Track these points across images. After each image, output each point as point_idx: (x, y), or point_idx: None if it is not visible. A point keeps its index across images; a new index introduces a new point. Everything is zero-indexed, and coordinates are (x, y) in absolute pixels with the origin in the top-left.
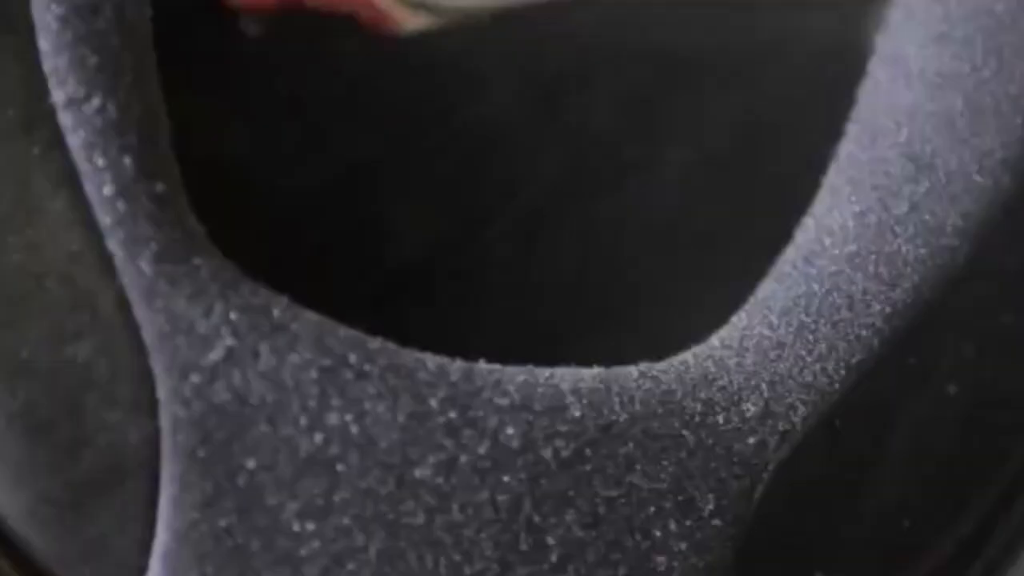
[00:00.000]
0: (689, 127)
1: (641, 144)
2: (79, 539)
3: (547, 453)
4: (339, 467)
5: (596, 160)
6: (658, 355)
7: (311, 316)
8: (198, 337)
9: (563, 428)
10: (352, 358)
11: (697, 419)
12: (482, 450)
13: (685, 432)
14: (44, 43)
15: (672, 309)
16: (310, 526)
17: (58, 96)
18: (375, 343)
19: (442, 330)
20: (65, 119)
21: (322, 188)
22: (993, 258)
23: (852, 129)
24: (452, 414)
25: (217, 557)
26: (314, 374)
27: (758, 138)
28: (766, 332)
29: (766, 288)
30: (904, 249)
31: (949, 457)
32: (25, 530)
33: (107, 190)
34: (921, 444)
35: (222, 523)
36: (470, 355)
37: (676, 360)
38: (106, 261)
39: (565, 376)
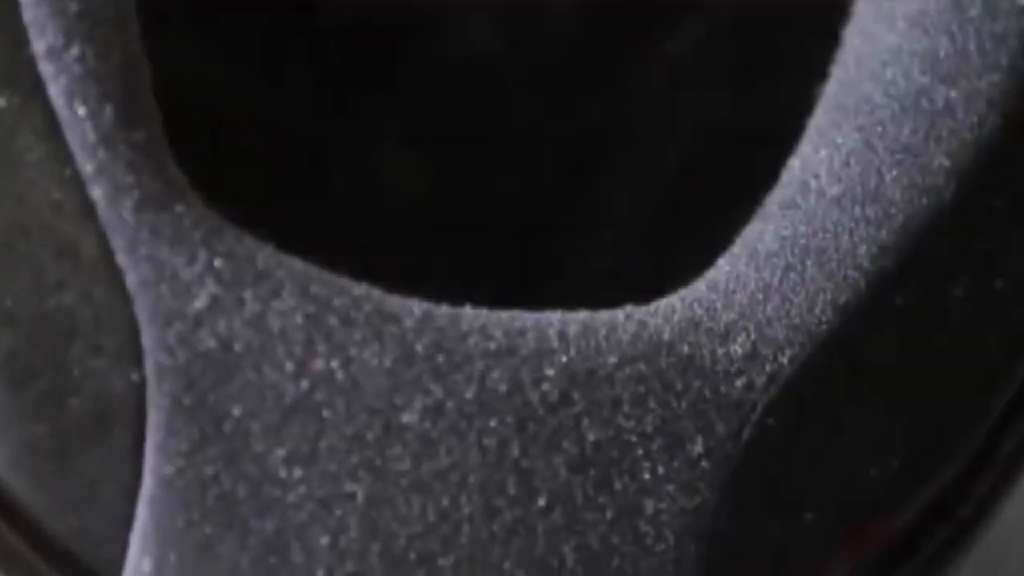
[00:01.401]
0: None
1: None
2: (65, 487)
3: (534, 397)
4: (325, 413)
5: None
6: (645, 298)
7: (296, 263)
8: (182, 285)
9: (550, 372)
10: (337, 304)
11: (684, 361)
12: (469, 395)
13: (672, 374)
14: None
15: (659, 250)
16: (297, 472)
17: (38, 45)
18: (360, 289)
19: (433, 277)
20: (45, 68)
21: (310, 134)
22: (980, 198)
23: (837, 70)
24: (438, 359)
25: (204, 504)
26: (299, 320)
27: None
28: (752, 274)
29: (752, 230)
30: (890, 190)
31: (937, 395)
32: (10, 479)
33: (88, 139)
34: (909, 383)
35: (208, 470)
36: (461, 300)
37: (663, 303)
38: (88, 210)
39: (552, 320)
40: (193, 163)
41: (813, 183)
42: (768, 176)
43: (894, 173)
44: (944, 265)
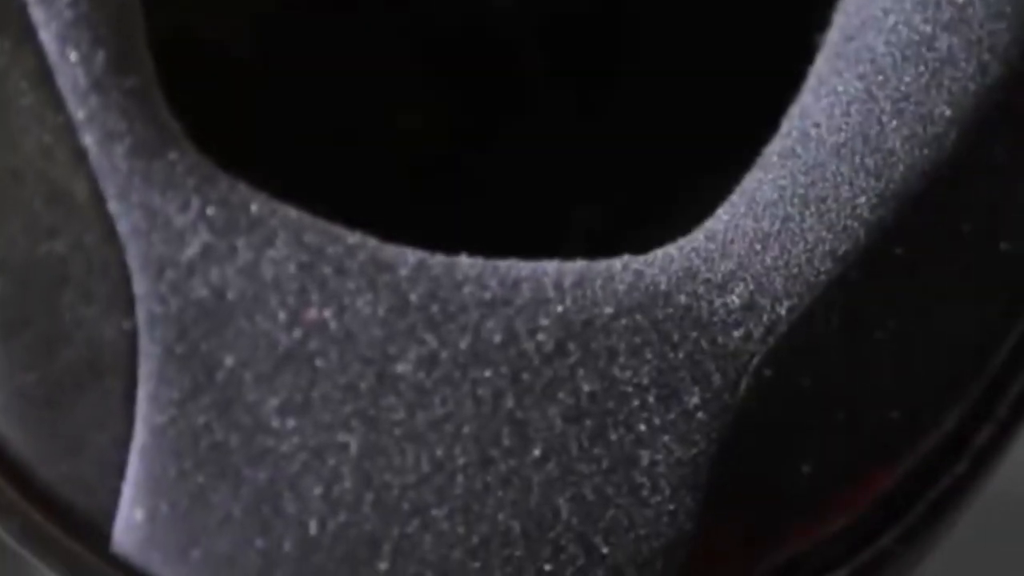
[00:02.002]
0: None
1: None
2: (56, 436)
3: (529, 347)
4: (319, 362)
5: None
6: (643, 248)
7: (290, 211)
8: (174, 232)
9: (545, 322)
10: (331, 252)
11: (681, 312)
12: (463, 344)
13: (669, 325)
14: None
15: (659, 199)
16: (290, 422)
17: None
18: (355, 238)
19: (433, 224)
20: (36, 14)
21: (309, 80)
22: (982, 149)
23: (838, 18)
24: (433, 308)
25: (196, 453)
26: (292, 269)
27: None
28: (751, 224)
29: (751, 179)
30: (891, 139)
31: (936, 347)
32: (2, 427)
33: (80, 84)
34: (909, 333)
35: (201, 419)
36: (461, 249)
37: (659, 253)
38: (80, 156)
39: (547, 270)
40: (188, 111)
41: (813, 132)
42: (768, 125)
43: (895, 123)
44: (944, 217)
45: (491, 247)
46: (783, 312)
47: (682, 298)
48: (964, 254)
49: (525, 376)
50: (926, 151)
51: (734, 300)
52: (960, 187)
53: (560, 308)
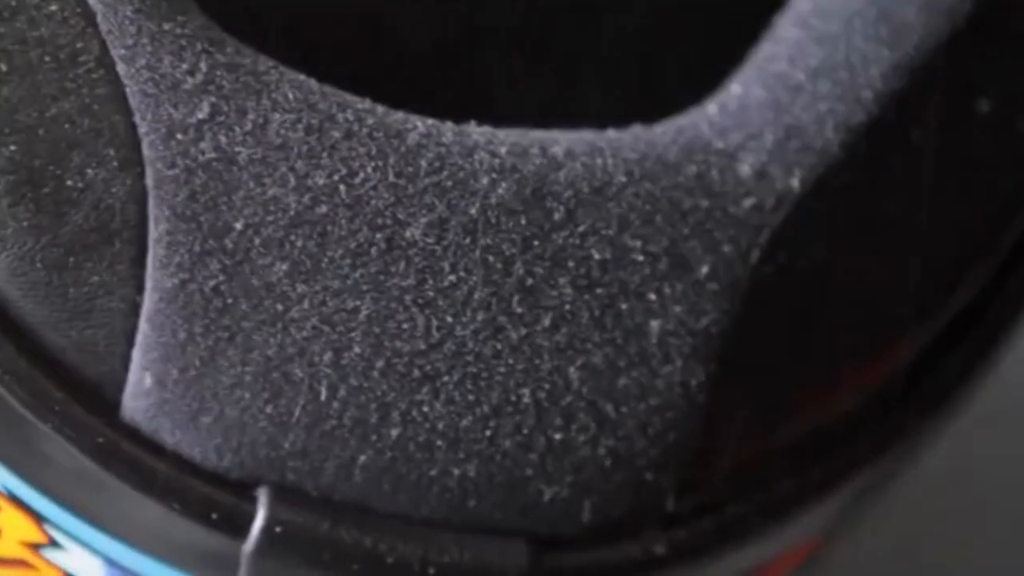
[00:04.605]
0: None
1: None
2: (66, 300)
3: (539, 214)
4: (328, 227)
5: None
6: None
7: (298, 76)
8: (183, 95)
9: (556, 189)
10: (340, 117)
11: (692, 181)
12: (473, 211)
13: (679, 193)
14: None
15: (669, 73)
16: (300, 287)
17: None
18: (364, 103)
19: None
20: None
21: None
22: (999, 20)
23: None
24: (443, 174)
25: (206, 317)
26: (301, 133)
27: None
28: (762, 94)
29: (762, 50)
30: (905, 9)
31: (946, 223)
32: (10, 291)
33: None
34: (919, 208)
35: (210, 283)
36: None
37: (671, 123)
38: (89, 19)
39: (558, 138)
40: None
41: (825, 3)
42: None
43: None
44: (959, 89)
45: None
46: (795, 183)
47: (693, 167)
48: (979, 129)
49: (535, 243)
50: (940, 22)
51: (745, 169)
52: (976, 60)
53: (570, 175)
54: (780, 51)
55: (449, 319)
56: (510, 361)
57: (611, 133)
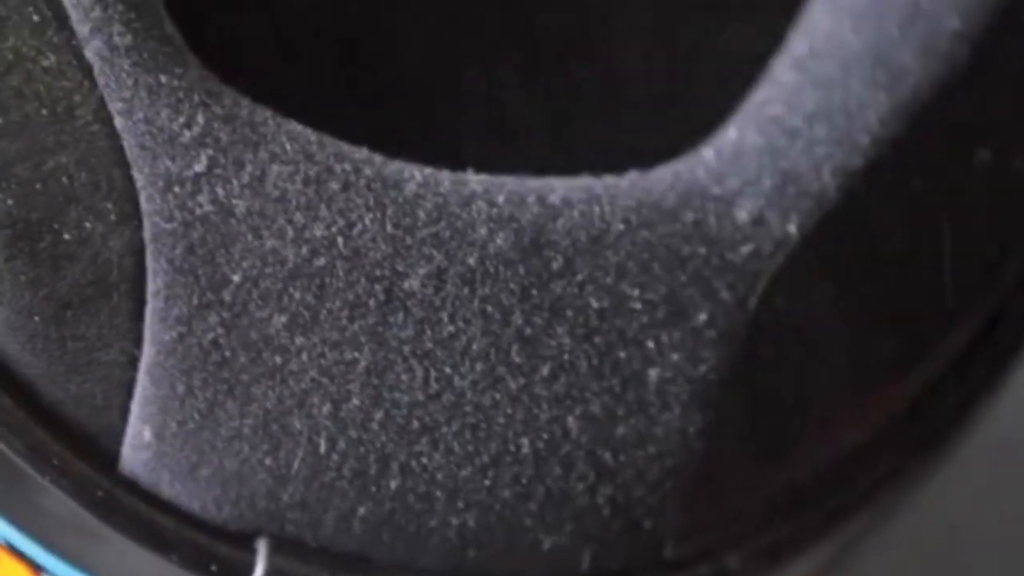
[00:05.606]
0: None
1: None
2: (63, 354)
3: (537, 264)
4: (326, 279)
5: None
6: (649, 164)
7: (296, 127)
8: (180, 148)
9: (554, 238)
10: (337, 168)
11: (689, 228)
12: (471, 261)
13: (677, 241)
14: None
15: (663, 117)
16: (298, 340)
17: None
18: (362, 153)
19: (432, 139)
20: None
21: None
22: (995, 65)
23: None
24: (441, 224)
25: (204, 370)
26: (299, 184)
27: None
28: (758, 139)
29: (759, 94)
30: (901, 53)
31: (944, 263)
32: (7, 345)
33: None
34: (917, 250)
35: (208, 337)
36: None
37: (667, 169)
38: (86, 72)
39: (555, 185)
40: (193, 27)
41: (822, 46)
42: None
43: (906, 36)
44: (956, 133)
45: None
46: (792, 228)
47: (690, 214)
48: (975, 171)
49: (533, 293)
50: (937, 66)
51: (742, 215)
52: (972, 104)
53: (568, 224)
54: (776, 95)
55: (448, 370)
56: (509, 411)
57: (608, 179)
